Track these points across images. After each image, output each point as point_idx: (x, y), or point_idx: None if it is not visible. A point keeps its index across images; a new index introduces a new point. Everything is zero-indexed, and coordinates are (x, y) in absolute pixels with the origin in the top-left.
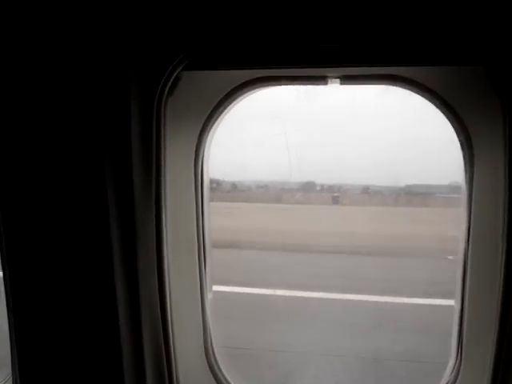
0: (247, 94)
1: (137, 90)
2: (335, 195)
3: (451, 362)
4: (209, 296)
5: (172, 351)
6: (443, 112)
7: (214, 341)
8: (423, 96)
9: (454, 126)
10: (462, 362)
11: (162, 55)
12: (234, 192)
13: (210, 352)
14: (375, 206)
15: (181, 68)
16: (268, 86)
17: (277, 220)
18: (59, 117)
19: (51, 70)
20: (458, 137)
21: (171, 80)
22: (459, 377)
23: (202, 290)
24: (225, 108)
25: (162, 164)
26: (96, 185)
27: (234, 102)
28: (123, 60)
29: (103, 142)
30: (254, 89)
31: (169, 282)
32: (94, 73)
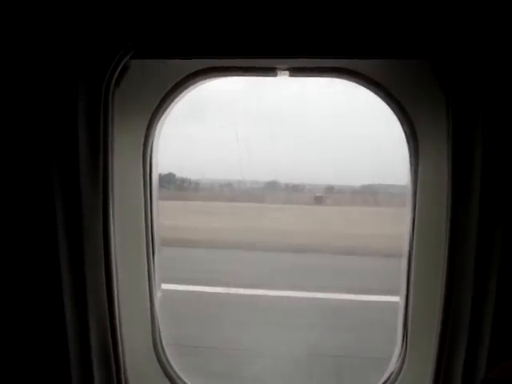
0: (196, 84)
1: (84, 81)
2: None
3: (396, 352)
4: (158, 294)
5: (120, 348)
6: (388, 104)
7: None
8: (369, 89)
9: (399, 119)
10: (407, 352)
11: (109, 44)
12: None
13: (160, 348)
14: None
15: (128, 57)
16: (217, 76)
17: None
18: (3, 111)
19: None
20: (403, 129)
21: (118, 69)
22: (404, 366)
23: (151, 287)
24: (173, 99)
25: (110, 158)
26: (42, 180)
27: (183, 93)
28: (69, 51)
29: (49, 135)
30: (204, 79)
31: (116, 280)
32: (39, 65)
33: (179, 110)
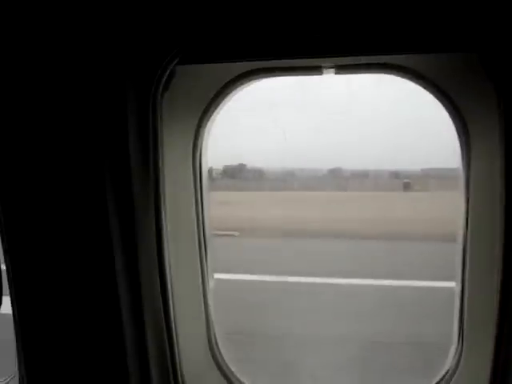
0: (243, 86)
1: (132, 87)
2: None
3: (453, 347)
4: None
5: (175, 343)
6: (438, 99)
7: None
8: (418, 83)
9: (449, 113)
10: (464, 347)
11: (156, 50)
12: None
13: (213, 342)
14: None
15: (175, 62)
16: (263, 77)
17: None
18: (56, 116)
19: (46, 69)
20: (454, 123)
21: (166, 75)
22: (461, 362)
23: (204, 280)
24: (221, 101)
25: (160, 159)
26: (95, 182)
27: (230, 95)
28: (117, 57)
29: (101, 140)
30: (250, 81)
31: (170, 275)
32: (88, 71)
33: (234, 105)
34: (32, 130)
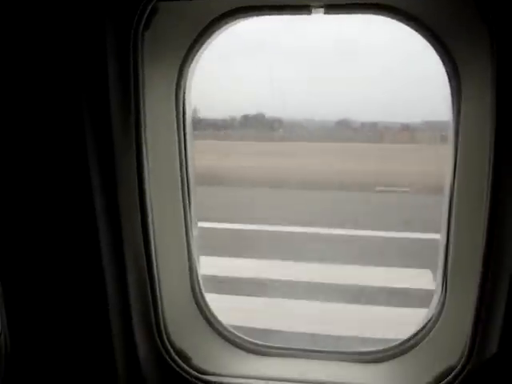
0: (228, 25)
1: (111, 25)
2: None
3: (436, 296)
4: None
5: (157, 289)
6: (429, 41)
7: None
8: (409, 25)
9: (440, 56)
10: (447, 296)
11: None
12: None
13: (197, 291)
14: None
15: None
16: (249, 16)
17: None
18: (32, 58)
19: (21, 8)
20: (445, 67)
21: (147, 12)
22: (444, 310)
23: (187, 229)
24: (205, 40)
25: (141, 100)
26: (73, 125)
27: (215, 34)
28: None
29: (79, 80)
30: (235, 19)
31: (152, 220)
32: (64, 8)
33: (227, 48)
34: (9, 73)
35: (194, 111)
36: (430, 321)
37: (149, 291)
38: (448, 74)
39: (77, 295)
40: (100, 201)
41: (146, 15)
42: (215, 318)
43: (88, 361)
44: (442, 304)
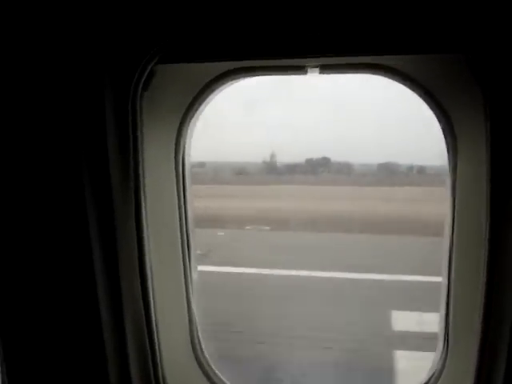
0: (225, 85)
1: (111, 87)
2: None
3: (438, 350)
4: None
5: (156, 345)
6: (425, 101)
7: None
8: (405, 85)
9: (436, 116)
10: (449, 350)
11: (135, 49)
12: None
13: (196, 341)
14: None
15: (155, 62)
16: (247, 76)
17: None
18: (34, 117)
19: (26, 66)
20: (441, 126)
21: (145, 74)
22: (446, 365)
23: (186, 274)
24: (203, 101)
25: (140, 159)
26: (73, 183)
27: (213, 94)
28: (95, 56)
29: (79, 140)
30: (232, 80)
31: (151, 279)
32: (66, 69)
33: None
34: (11, 128)
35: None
36: (432, 376)
37: (147, 344)
38: (444, 133)
39: (75, 348)
40: (100, 262)
41: (144, 77)
42: (214, 371)
43: None
44: (445, 358)
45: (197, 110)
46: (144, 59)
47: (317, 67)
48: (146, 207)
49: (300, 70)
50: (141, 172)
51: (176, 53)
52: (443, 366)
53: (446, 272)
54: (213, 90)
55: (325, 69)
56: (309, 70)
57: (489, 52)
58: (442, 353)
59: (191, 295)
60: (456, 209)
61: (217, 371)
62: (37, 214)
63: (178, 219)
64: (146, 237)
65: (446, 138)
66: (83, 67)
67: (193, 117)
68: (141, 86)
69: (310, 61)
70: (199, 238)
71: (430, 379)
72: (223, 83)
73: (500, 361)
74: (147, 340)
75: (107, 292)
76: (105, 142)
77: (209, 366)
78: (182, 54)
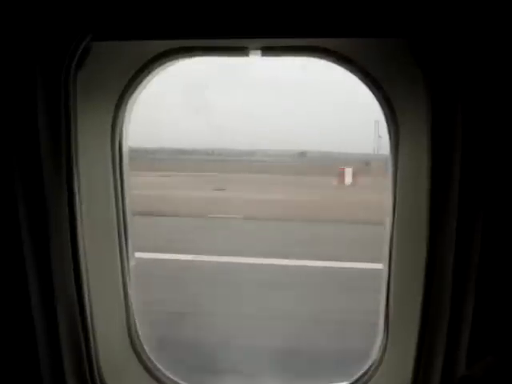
0: (164, 66)
1: (43, 63)
2: None
3: (378, 340)
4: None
5: (91, 335)
6: (366, 85)
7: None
8: (346, 68)
9: (377, 99)
10: (388, 342)
11: (67, 26)
12: None
13: (133, 330)
14: None
15: (88, 40)
16: (187, 57)
17: None
18: None
19: None
20: (383, 111)
21: (78, 52)
22: (385, 356)
23: (124, 271)
24: (141, 80)
25: (73, 140)
26: (2, 166)
27: (151, 75)
28: (25, 36)
29: (9, 123)
30: (172, 60)
31: (86, 269)
32: None
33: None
34: None
35: None
36: (371, 366)
37: (81, 334)
38: (385, 116)
39: (5, 344)
40: (29, 244)
41: (77, 54)
42: (150, 360)
43: None
44: (384, 348)
45: (133, 91)
46: (77, 36)
47: (258, 49)
48: (80, 195)
49: (242, 51)
50: (74, 158)
51: (111, 30)
52: (383, 354)
53: (387, 263)
54: (151, 71)
55: (267, 51)
56: (251, 51)
57: (429, 37)
58: (382, 342)
59: (128, 283)
60: (397, 197)
61: (154, 360)
62: None
63: (114, 207)
64: (80, 226)
65: (387, 122)
66: (12, 47)
67: (130, 99)
68: (74, 63)
69: (251, 41)
70: None
71: (370, 367)
72: (161, 64)
73: (438, 350)
74: (81, 330)
75: (39, 285)
76: (36, 123)
77: (146, 355)
78: (116, 30)
